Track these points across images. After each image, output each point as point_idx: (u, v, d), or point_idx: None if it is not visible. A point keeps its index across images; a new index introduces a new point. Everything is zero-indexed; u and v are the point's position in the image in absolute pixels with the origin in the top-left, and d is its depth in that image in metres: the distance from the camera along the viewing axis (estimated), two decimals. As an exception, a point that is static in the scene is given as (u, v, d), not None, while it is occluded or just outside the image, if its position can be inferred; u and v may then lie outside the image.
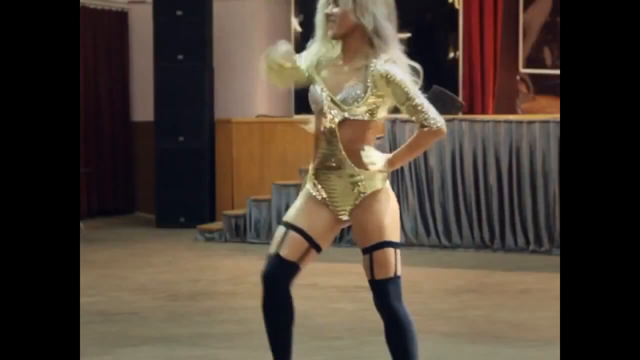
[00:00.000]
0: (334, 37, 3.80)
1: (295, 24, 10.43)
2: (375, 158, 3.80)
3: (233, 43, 10.71)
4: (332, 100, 3.78)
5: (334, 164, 3.82)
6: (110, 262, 8.24)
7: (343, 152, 3.79)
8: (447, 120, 9.93)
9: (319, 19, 3.83)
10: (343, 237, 9.07)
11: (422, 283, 7.24)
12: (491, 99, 10.40)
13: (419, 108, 3.80)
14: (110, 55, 11.47)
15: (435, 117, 3.82)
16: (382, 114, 3.86)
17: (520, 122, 8.71)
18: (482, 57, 10.37)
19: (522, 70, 10.51)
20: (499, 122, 8.76)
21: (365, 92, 3.74)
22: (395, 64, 3.74)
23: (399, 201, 9.68)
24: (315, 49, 3.88)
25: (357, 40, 3.78)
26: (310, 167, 3.94)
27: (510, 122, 8.74)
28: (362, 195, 3.82)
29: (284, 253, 3.86)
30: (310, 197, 3.90)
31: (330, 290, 6.94)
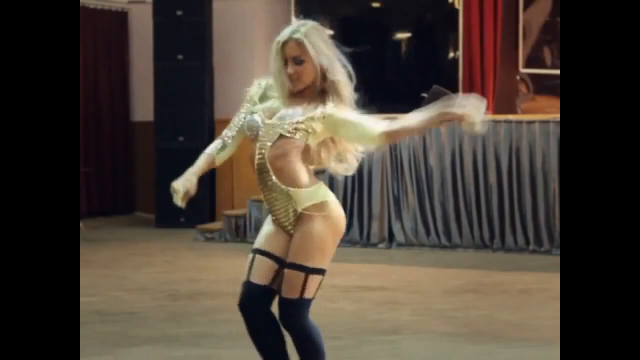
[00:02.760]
0: (297, 89, 3.89)
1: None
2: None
3: (233, 43, 10.71)
4: (268, 124, 3.86)
5: (268, 186, 3.86)
6: (110, 262, 8.24)
7: (271, 174, 3.83)
8: (447, 121, 9.85)
9: (275, 79, 3.90)
10: (343, 237, 9.06)
11: (422, 283, 7.25)
12: (491, 99, 10.40)
13: (362, 124, 3.88)
14: (110, 55, 11.47)
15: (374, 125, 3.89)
16: (313, 142, 3.89)
17: (520, 122, 8.71)
18: (482, 57, 10.37)
19: (522, 70, 10.51)
20: (499, 122, 8.76)
21: (303, 116, 3.82)
22: (342, 107, 3.89)
23: (398, 201, 9.72)
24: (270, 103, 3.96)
25: (311, 89, 3.89)
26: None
27: (510, 122, 8.74)
28: (296, 212, 3.84)
29: (255, 279, 3.90)
30: (270, 220, 3.98)
31: (330, 290, 6.94)
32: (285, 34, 3.92)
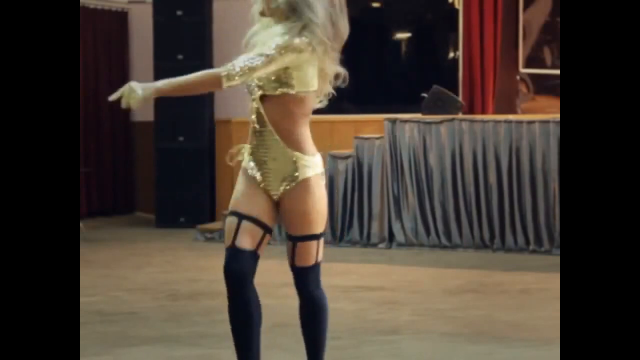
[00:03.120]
0: (263, 14, 3.85)
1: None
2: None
3: (233, 43, 10.68)
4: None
5: (267, 145, 3.81)
6: (110, 262, 8.24)
7: (274, 134, 3.78)
8: (447, 121, 9.91)
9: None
10: (343, 237, 9.07)
11: (422, 283, 7.25)
12: (491, 99, 10.40)
13: (248, 56, 3.65)
14: (110, 55, 11.47)
15: (232, 66, 3.60)
16: (300, 86, 3.76)
17: (520, 122, 8.71)
18: (482, 57, 10.37)
19: (522, 70, 10.51)
20: (499, 122, 8.76)
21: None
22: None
23: (399, 201, 9.72)
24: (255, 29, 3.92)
25: (281, 14, 3.80)
26: (248, 146, 3.92)
27: (510, 122, 8.74)
28: (293, 181, 3.81)
29: (244, 244, 3.84)
30: (248, 179, 3.90)
31: (330, 290, 6.91)
32: None
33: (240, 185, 3.94)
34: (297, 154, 3.79)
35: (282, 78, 3.72)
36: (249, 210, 3.86)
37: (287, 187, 3.83)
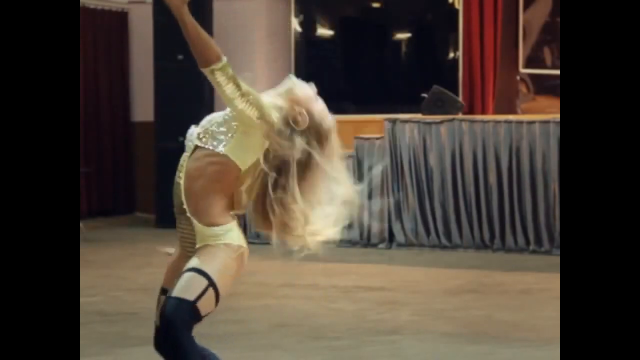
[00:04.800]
0: None
1: (295, 24, 10.43)
2: None
3: (233, 43, 10.71)
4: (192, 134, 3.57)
5: (179, 207, 3.56)
6: (110, 262, 8.24)
7: (183, 194, 3.52)
8: (447, 121, 9.92)
9: None
10: (343, 237, 9.07)
11: (422, 283, 7.25)
12: (491, 99, 10.41)
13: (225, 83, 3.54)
14: (110, 55, 11.47)
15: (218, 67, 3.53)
16: (232, 154, 3.45)
17: (520, 122, 8.71)
18: (482, 57, 10.37)
19: (522, 70, 10.52)
20: (499, 122, 8.76)
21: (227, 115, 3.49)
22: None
23: (399, 201, 9.69)
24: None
25: None
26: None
27: (510, 122, 8.74)
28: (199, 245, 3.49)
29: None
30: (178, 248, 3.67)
31: (330, 290, 6.94)
32: None
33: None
34: (195, 222, 3.50)
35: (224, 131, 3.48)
36: (166, 284, 3.62)
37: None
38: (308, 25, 10.64)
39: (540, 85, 10.53)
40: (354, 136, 9.22)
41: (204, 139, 3.50)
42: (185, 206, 3.51)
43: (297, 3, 10.48)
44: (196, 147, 3.51)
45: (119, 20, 11.56)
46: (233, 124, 3.48)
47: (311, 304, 6.49)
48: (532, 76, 10.55)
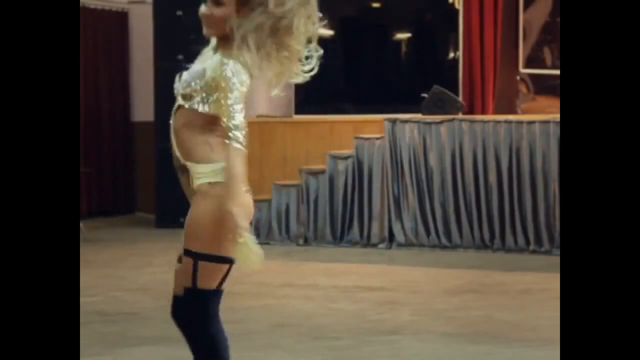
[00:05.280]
0: (208, 36, 3.57)
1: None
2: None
3: (233, 43, 10.70)
4: (177, 89, 3.52)
5: (175, 160, 3.54)
6: (110, 262, 8.24)
7: (174, 143, 3.51)
8: (447, 121, 9.90)
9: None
10: (343, 238, 9.07)
11: (422, 283, 7.25)
12: (491, 99, 10.41)
13: (224, 108, 3.30)
14: (110, 55, 11.48)
15: (234, 129, 3.28)
16: (216, 108, 3.36)
17: (520, 122, 8.71)
18: (482, 57, 10.38)
19: (522, 70, 10.52)
20: (499, 122, 8.76)
21: (203, 76, 3.38)
22: (239, 63, 3.32)
23: (399, 201, 9.70)
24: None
25: (227, 41, 3.45)
26: None
27: (510, 122, 8.74)
28: (195, 190, 3.39)
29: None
30: None
31: (330, 290, 6.94)
32: None
33: None
34: (188, 163, 3.46)
35: (207, 97, 3.43)
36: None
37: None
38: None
39: (540, 85, 10.53)
40: (354, 136, 9.22)
41: (186, 97, 3.49)
42: (181, 158, 3.47)
43: (297, 3, 10.47)
44: (179, 106, 3.50)
45: (119, 20, 11.55)
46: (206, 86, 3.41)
47: (311, 304, 6.49)
48: (532, 76, 10.55)
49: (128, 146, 11.67)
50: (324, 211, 9.11)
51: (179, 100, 3.48)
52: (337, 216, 9.08)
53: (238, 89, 3.29)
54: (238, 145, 3.25)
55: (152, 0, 10.49)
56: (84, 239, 8.89)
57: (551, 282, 7.05)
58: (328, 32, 11.02)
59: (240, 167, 3.25)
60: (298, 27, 3.40)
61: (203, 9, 3.47)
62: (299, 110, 10.12)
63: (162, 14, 10.38)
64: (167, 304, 6.83)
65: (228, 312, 6.37)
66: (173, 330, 5.87)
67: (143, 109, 11.35)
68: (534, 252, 8.52)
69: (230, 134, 3.26)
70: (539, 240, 8.57)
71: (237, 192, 3.23)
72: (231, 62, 3.32)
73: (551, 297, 6.52)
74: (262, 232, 9.26)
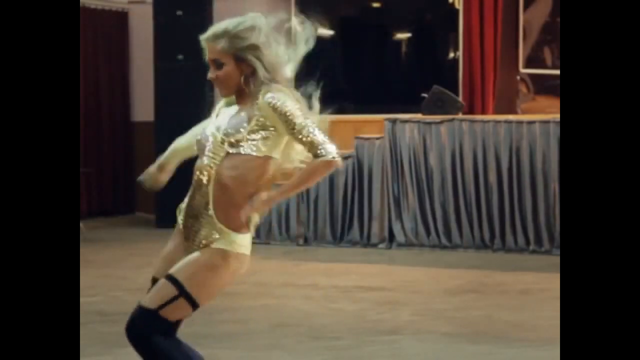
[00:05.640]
0: (226, 96, 3.64)
1: (295, 24, 10.41)
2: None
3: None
4: (216, 138, 3.50)
5: (198, 207, 3.52)
6: (110, 262, 8.24)
7: (210, 204, 3.45)
8: (447, 121, 9.92)
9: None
10: (343, 238, 9.07)
11: (422, 283, 7.25)
12: (491, 99, 10.41)
13: (308, 138, 3.41)
14: (110, 55, 11.48)
15: (328, 148, 3.42)
16: (272, 151, 3.46)
17: (520, 122, 8.71)
18: (482, 57, 10.37)
19: (522, 70, 10.52)
20: (499, 122, 8.76)
21: (250, 120, 3.44)
22: (282, 92, 3.46)
23: (399, 201, 9.70)
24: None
25: (245, 90, 3.55)
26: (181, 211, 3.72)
27: (510, 122, 8.74)
28: (207, 246, 3.48)
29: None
30: (176, 235, 3.73)
31: (330, 290, 6.94)
32: (205, 33, 3.66)
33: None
34: (224, 228, 3.45)
35: (260, 140, 3.46)
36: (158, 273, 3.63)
37: (203, 244, 3.50)
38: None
39: (540, 85, 10.53)
40: (354, 136, 9.22)
41: (238, 145, 3.45)
42: (212, 211, 3.46)
43: (297, 3, 10.48)
44: (227, 153, 3.45)
45: (119, 20, 11.56)
46: (268, 125, 3.45)
47: (311, 304, 6.49)
48: (532, 76, 10.55)
49: (128, 146, 11.67)
50: (324, 211, 9.11)
51: (226, 148, 3.46)
52: (337, 216, 9.08)
53: (296, 107, 3.45)
54: (335, 158, 3.43)
55: (152, 0, 10.50)
56: (84, 239, 8.89)
57: (551, 282, 7.05)
58: (328, 32, 11.05)
59: (313, 182, 3.51)
60: (277, 54, 3.62)
61: (209, 74, 3.64)
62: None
63: (162, 14, 10.38)
64: (167, 304, 6.81)
65: (228, 312, 6.39)
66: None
67: (143, 109, 11.36)
68: (534, 252, 8.52)
69: (320, 149, 3.41)
70: (539, 240, 8.57)
71: (284, 196, 3.51)
72: (270, 94, 3.45)
73: (551, 297, 6.52)
74: (262, 232, 9.26)
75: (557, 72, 9.92)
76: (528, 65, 10.52)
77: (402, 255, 8.61)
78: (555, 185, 8.48)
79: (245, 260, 3.50)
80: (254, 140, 3.44)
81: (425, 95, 9.30)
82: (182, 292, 3.46)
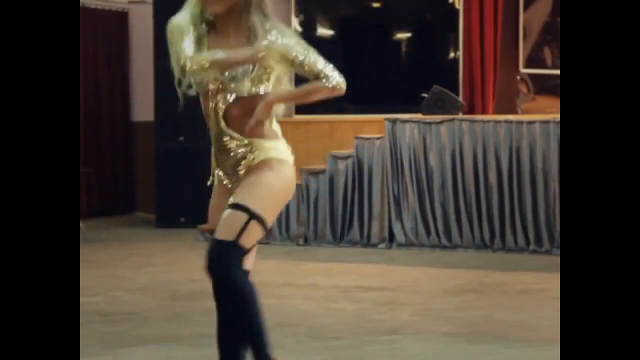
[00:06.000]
0: (216, 14, 3.71)
1: (295, 24, 10.43)
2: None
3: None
4: (220, 83, 3.67)
5: (224, 144, 3.70)
6: (110, 262, 8.24)
7: (229, 131, 3.67)
8: (447, 121, 9.92)
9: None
10: (343, 237, 9.07)
11: (422, 283, 7.25)
12: (491, 99, 10.41)
13: (312, 66, 3.64)
14: (110, 55, 11.47)
15: (331, 76, 3.66)
16: (270, 87, 3.69)
17: (520, 122, 8.71)
18: (482, 57, 10.37)
19: (522, 70, 10.51)
20: (499, 122, 8.76)
21: (253, 66, 3.62)
22: (277, 30, 3.63)
23: (399, 201, 9.71)
24: (189, 29, 3.84)
25: (236, 15, 3.67)
26: (212, 151, 3.84)
27: (510, 122, 8.74)
28: (251, 164, 3.65)
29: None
30: (220, 188, 3.81)
31: (330, 290, 6.94)
32: None
33: (212, 199, 3.86)
34: (255, 139, 3.65)
35: (260, 81, 3.67)
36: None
37: (245, 170, 3.68)
38: (308, 25, 10.63)
39: (540, 85, 10.53)
40: (354, 136, 9.22)
41: (239, 88, 3.64)
42: (228, 127, 3.66)
43: (297, 3, 10.48)
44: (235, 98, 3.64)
45: (119, 20, 11.55)
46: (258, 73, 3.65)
47: (311, 304, 6.49)
48: (532, 76, 10.55)
49: (128, 146, 11.67)
50: (324, 211, 9.11)
51: (233, 93, 3.67)
52: (337, 216, 9.08)
53: (295, 39, 3.67)
54: (340, 85, 3.71)
55: (152, 0, 10.49)
56: (84, 239, 8.89)
57: (551, 282, 7.05)
58: (328, 32, 11.05)
59: (313, 100, 3.73)
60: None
61: None
62: (299, 110, 10.12)
63: (162, 14, 10.33)
64: (167, 303, 6.86)
65: (228, 312, 6.35)
66: (173, 330, 5.88)
67: (143, 109, 11.35)
68: (534, 252, 8.52)
69: (323, 77, 3.63)
70: (539, 240, 8.57)
71: (283, 101, 3.72)
72: (274, 30, 3.62)
73: (551, 297, 6.52)
74: (262, 232, 9.24)
75: (557, 72, 9.92)
76: (528, 65, 10.52)
77: (402, 255, 8.60)
78: (555, 185, 8.48)
79: (292, 167, 3.67)
80: (254, 82, 3.64)
81: (425, 95, 9.29)
82: (252, 215, 3.54)
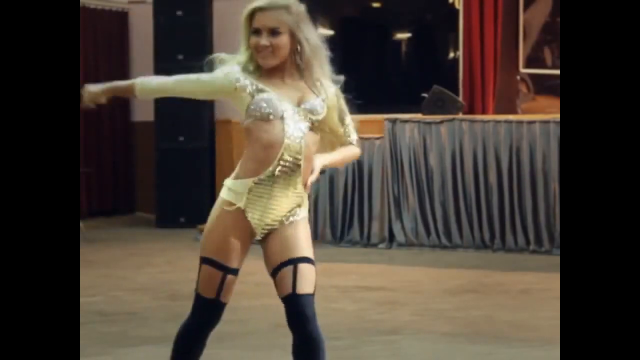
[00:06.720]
0: (269, 66, 3.70)
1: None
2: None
3: (233, 43, 10.69)
4: (297, 110, 3.64)
5: (288, 176, 3.59)
6: (110, 262, 8.24)
7: (302, 163, 3.59)
8: (447, 121, 9.92)
9: (246, 53, 3.82)
10: (343, 237, 9.07)
11: (422, 283, 7.25)
12: (491, 99, 10.40)
13: (350, 133, 3.83)
14: (110, 55, 11.48)
15: (358, 142, 3.87)
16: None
17: (520, 122, 8.71)
18: (482, 57, 10.37)
19: (522, 70, 10.51)
20: (499, 122, 8.76)
21: (323, 105, 3.73)
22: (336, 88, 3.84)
23: (399, 201, 9.71)
24: (238, 67, 3.87)
25: (286, 62, 3.70)
26: (245, 181, 3.68)
27: (510, 122, 8.74)
28: (295, 215, 3.70)
29: (226, 299, 3.89)
30: (235, 221, 3.74)
31: (330, 290, 6.94)
32: (261, 1, 3.73)
33: (226, 231, 3.80)
34: (305, 192, 3.71)
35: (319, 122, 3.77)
36: (235, 263, 3.82)
37: (286, 222, 3.70)
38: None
39: (540, 85, 10.52)
40: (354, 136, 9.21)
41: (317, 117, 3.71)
42: (299, 186, 3.65)
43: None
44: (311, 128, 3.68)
45: (119, 20, 11.56)
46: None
47: (311, 304, 6.49)
48: (532, 76, 10.54)
49: (128, 146, 11.67)
50: (324, 211, 9.11)
51: (309, 126, 3.67)
52: (337, 216, 9.08)
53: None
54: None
55: (152, 0, 10.50)
56: (84, 239, 8.89)
57: (551, 282, 7.05)
58: (328, 32, 11.04)
59: (344, 164, 3.97)
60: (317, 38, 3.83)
61: (262, 41, 3.69)
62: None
63: (162, 14, 10.38)
64: (167, 303, 6.86)
65: (228, 312, 6.35)
66: (173, 330, 5.87)
67: (143, 109, 11.35)
68: (534, 252, 8.52)
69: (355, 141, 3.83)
70: (539, 240, 8.57)
71: (329, 165, 3.75)
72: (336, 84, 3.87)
73: (551, 297, 6.52)
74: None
75: (557, 72, 9.91)
76: (528, 65, 10.52)
77: (402, 255, 8.61)
78: (555, 185, 8.48)
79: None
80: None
81: (425, 95, 9.29)
82: (313, 263, 3.82)
